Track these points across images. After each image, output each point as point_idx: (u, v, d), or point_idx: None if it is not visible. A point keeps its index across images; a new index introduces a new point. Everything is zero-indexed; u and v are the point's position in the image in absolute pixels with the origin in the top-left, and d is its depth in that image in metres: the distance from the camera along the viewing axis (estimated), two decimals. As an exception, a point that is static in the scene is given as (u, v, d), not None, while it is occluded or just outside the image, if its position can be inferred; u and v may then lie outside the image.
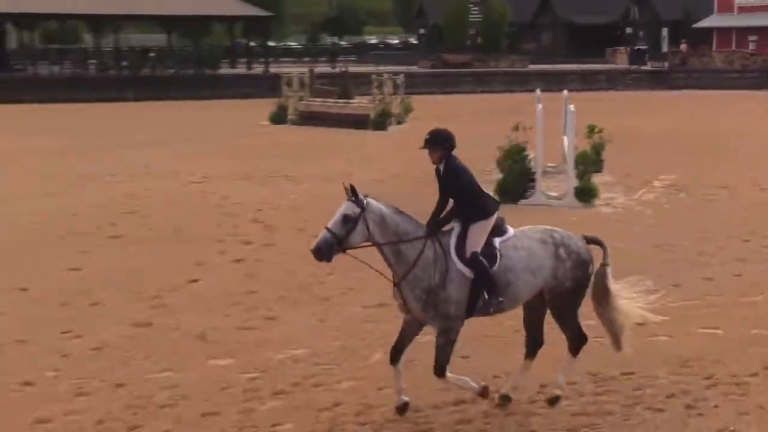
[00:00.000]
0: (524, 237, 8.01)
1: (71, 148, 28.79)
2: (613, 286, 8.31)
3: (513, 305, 8.05)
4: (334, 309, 11.64)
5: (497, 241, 7.83)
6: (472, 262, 7.65)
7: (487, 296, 7.70)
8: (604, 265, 8.24)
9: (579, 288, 8.06)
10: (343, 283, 12.32)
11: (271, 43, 72.15)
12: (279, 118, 36.06)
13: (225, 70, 59.39)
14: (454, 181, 7.86)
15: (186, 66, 58.62)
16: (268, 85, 42.70)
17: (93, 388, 8.98)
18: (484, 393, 8.17)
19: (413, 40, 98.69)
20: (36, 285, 12.74)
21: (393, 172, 22.90)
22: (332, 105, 35.90)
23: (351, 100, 36.04)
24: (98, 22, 60.58)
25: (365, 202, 7.64)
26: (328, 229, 7.52)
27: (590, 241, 8.30)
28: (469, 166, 7.95)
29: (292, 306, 11.85)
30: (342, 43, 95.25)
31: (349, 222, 7.54)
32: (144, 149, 28.61)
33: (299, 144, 29.85)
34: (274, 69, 54.27)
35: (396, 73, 37.55)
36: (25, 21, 58.21)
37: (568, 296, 8.04)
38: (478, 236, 7.75)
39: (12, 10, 54.38)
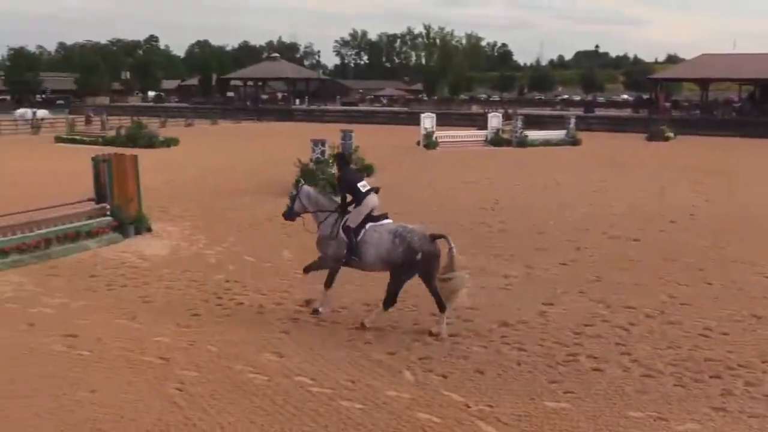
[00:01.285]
0: (383, 227, 8.08)
1: None
2: (459, 261, 7.96)
3: (365, 267, 8.26)
4: None
5: (368, 224, 8.10)
6: (344, 230, 8.16)
7: (346, 252, 8.15)
8: (450, 248, 7.85)
9: (404, 265, 7.87)
10: None
11: None
12: None
13: None
14: (339, 183, 8.57)
15: None
16: None
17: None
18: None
19: None
20: None
21: None
22: None
23: None
24: None
25: (301, 187, 8.60)
26: (286, 204, 8.76)
27: (435, 237, 7.95)
28: None
29: None
30: None
31: (291, 199, 8.63)
32: None
33: None
34: None
35: None
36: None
37: (396, 269, 7.95)
38: (354, 216, 8.17)
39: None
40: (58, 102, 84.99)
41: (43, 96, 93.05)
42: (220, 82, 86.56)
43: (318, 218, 8.52)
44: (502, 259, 11.73)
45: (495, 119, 36.54)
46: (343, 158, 8.84)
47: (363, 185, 8.29)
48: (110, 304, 9.16)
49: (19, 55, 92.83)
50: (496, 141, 35.17)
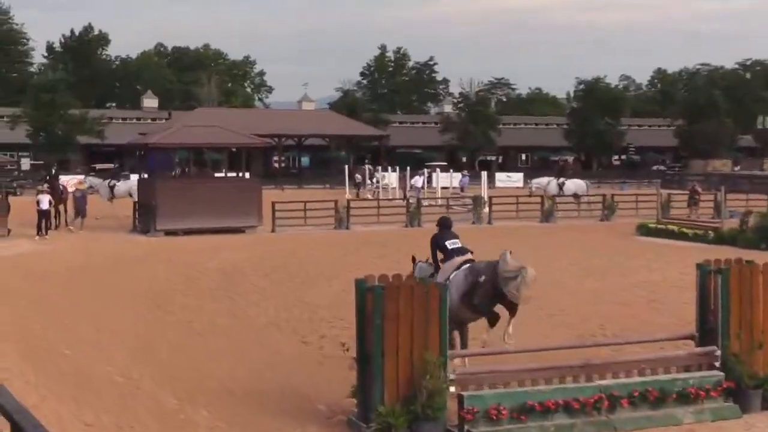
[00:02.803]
0: (461, 270, 14.30)
1: None
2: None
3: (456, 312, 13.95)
4: None
5: (453, 273, 14.28)
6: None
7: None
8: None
9: (477, 290, 13.73)
10: None
11: None
12: None
13: None
14: (430, 244, 15.05)
15: None
16: None
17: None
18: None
19: None
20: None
21: None
22: None
23: None
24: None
25: (415, 265, 15.49)
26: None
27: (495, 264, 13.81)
28: None
29: None
30: None
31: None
32: None
33: None
34: None
35: None
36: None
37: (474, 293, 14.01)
38: (442, 273, 14.35)
39: None
40: (656, 168, 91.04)
41: (623, 157, 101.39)
42: None
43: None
44: None
45: None
46: (441, 221, 15.47)
47: (452, 243, 14.54)
48: None
49: (591, 91, 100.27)
50: None
